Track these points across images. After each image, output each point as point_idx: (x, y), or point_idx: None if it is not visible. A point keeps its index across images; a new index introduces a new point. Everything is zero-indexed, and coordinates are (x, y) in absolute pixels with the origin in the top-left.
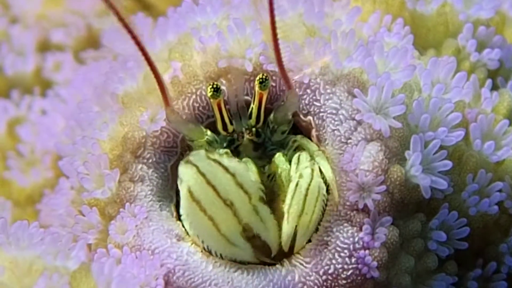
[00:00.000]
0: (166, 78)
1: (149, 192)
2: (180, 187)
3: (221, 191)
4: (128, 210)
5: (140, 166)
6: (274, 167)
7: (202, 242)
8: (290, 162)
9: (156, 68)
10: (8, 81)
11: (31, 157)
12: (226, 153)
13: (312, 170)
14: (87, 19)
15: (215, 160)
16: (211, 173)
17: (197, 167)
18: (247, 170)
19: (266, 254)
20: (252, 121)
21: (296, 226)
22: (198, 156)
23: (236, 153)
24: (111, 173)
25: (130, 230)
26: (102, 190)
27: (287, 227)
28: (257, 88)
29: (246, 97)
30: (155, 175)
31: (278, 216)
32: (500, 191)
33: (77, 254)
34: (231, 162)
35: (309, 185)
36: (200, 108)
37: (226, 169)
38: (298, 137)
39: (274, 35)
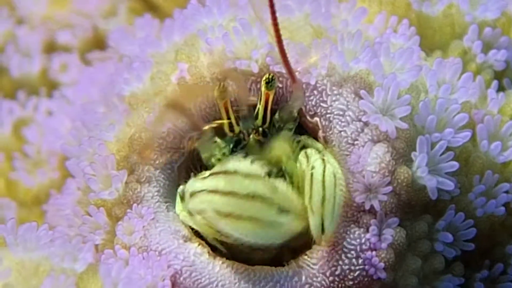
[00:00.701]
0: (172, 79)
1: (156, 193)
2: (203, 218)
3: (239, 190)
4: (135, 211)
5: (147, 167)
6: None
7: (252, 245)
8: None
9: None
10: (14, 82)
11: (37, 158)
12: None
13: (323, 160)
14: (93, 20)
15: (211, 174)
16: (217, 184)
17: (201, 191)
18: (239, 160)
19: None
20: (259, 121)
21: (321, 216)
22: (190, 185)
23: (244, 153)
24: (118, 174)
25: (137, 231)
26: (109, 191)
27: (313, 219)
28: (263, 88)
29: (253, 98)
30: (162, 176)
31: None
32: (507, 192)
33: (84, 256)
34: (223, 166)
35: (324, 172)
36: (207, 109)
37: (224, 172)
38: (303, 137)
39: (275, 24)
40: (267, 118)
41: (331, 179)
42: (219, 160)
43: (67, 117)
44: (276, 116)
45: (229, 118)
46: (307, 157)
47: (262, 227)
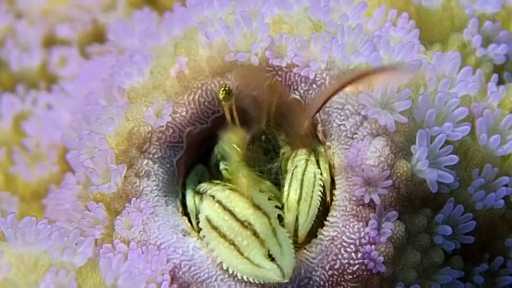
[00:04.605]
0: (171, 73)
1: (155, 187)
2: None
3: (238, 213)
4: (134, 205)
5: (146, 161)
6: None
7: (227, 269)
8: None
9: None
10: (13, 76)
11: (36, 151)
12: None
13: (306, 160)
14: (92, 14)
15: (230, 188)
16: (227, 199)
17: (213, 196)
18: (262, 191)
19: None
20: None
21: (297, 215)
22: (215, 188)
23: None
24: (117, 168)
25: (136, 225)
26: (109, 185)
27: (288, 216)
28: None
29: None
30: (161, 170)
31: None
32: (506, 185)
33: (84, 251)
34: (245, 186)
35: (304, 173)
36: (206, 103)
37: (241, 193)
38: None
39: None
40: (270, 122)
41: (311, 179)
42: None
43: (66, 110)
44: (282, 131)
45: (233, 119)
46: (295, 155)
47: (240, 258)
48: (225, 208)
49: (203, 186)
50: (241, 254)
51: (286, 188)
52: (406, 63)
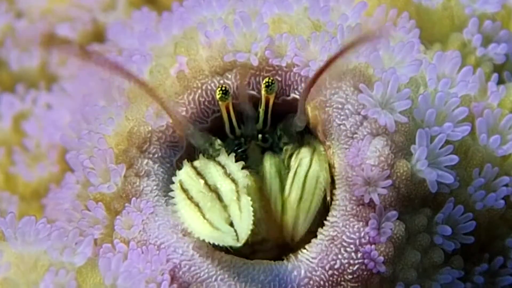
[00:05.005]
0: (171, 72)
1: (155, 187)
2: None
3: (209, 179)
4: (134, 205)
5: (145, 161)
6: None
7: (190, 230)
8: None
9: (165, 102)
10: (13, 75)
11: (36, 151)
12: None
13: (311, 160)
14: (92, 13)
15: (210, 157)
16: (202, 165)
17: (191, 163)
18: (232, 159)
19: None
20: (259, 125)
21: (296, 214)
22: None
23: (245, 156)
24: (117, 168)
25: (136, 225)
26: (108, 185)
27: (288, 216)
28: (263, 92)
29: (252, 92)
30: (161, 170)
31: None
32: (506, 185)
33: (83, 250)
34: (223, 157)
35: (307, 172)
36: (206, 103)
37: (218, 162)
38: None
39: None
40: (268, 121)
41: (313, 180)
42: (211, 156)
43: (66, 110)
44: (280, 125)
45: (230, 120)
46: (298, 152)
47: (201, 219)
48: (198, 173)
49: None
50: (203, 215)
51: (288, 186)
52: (378, 29)
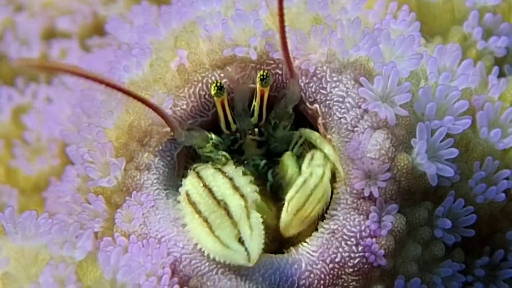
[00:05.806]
0: (172, 66)
1: (156, 181)
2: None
3: (217, 192)
4: (135, 198)
5: (146, 154)
6: (283, 169)
7: (200, 247)
8: (297, 157)
9: (155, 105)
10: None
11: (37, 145)
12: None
13: (324, 173)
14: (93, 6)
15: (216, 167)
16: (209, 177)
17: (197, 173)
18: (245, 175)
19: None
20: (254, 119)
21: (292, 217)
22: (202, 165)
23: (240, 151)
24: (116, 161)
25: (137, 218)
26: (108, 179)
27: (285, 215)
28: (258, 85)
29: (252, 85)
30: (161, 163)
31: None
32: (507, 178)
33: (83, 244)
34: (230, 168)
35: (316, 186)
36: (206, 96)
37: (224, 173)
38: (301, 130)
39: (281, 21)
40: (263, 114)
41: (318, 195)
42: (210, 152)
43: (66, 103)
44: (272, 112)
45: (225, 115)
46: (312, 158)
47: (211, 236)
48: (205, 185)
49: (196, 164)
50: (213, 232)
51: (293, 190)
52: None
